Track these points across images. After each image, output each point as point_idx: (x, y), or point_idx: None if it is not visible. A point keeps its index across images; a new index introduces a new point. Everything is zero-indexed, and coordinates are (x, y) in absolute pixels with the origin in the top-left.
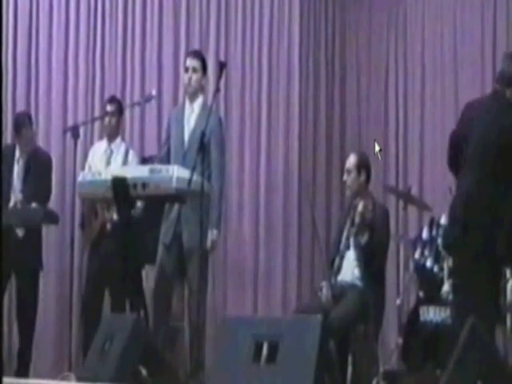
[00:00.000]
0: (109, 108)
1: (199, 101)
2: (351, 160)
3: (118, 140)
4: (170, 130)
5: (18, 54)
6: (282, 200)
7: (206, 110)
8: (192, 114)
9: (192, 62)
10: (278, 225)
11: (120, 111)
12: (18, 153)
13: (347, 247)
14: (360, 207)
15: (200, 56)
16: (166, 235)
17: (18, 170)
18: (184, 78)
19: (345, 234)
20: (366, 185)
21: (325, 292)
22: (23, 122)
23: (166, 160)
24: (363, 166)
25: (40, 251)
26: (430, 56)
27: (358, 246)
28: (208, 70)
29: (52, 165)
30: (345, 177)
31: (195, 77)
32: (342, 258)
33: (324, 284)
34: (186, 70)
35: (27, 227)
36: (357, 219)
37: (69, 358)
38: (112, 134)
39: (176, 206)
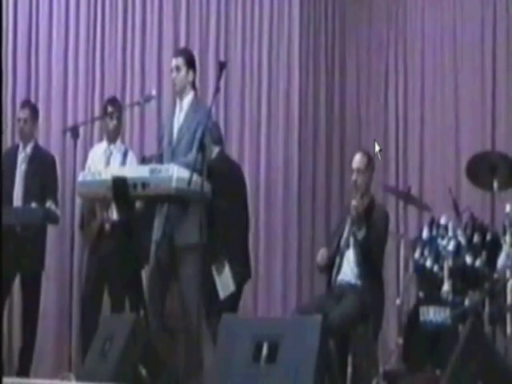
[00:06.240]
0: (110, 109)
1: (188, 97)
2: (363, 160)
3: (118, 141)
4: (163, 130)
5: (18, 53)
6: (282, 200)
7: (195, 106)
8: (181, 111)
9: (175, 61)
10: (278, 225)
11: (120, 112)
12: (19, 155)
13: (347, 246)
14: (354, 202)
15: (182, 53)
16: (157, 233)
17: (20, 170)
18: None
19: (345, 233)
20: (370, 184)
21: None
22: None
23: (160, 159)
24: (373, 165)
25: (43, 252)
26: (430, 56)
27: (355, 242)
28: (198, 66)
29: (56, 163)
30: (354, 176)
31: (179, 76)
32: (341, 257)
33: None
34: (172, 70)
35: (27, 227)
36: (352, 213)
37: (69, 358)
38: (112, 135)
39: (165, 204)
